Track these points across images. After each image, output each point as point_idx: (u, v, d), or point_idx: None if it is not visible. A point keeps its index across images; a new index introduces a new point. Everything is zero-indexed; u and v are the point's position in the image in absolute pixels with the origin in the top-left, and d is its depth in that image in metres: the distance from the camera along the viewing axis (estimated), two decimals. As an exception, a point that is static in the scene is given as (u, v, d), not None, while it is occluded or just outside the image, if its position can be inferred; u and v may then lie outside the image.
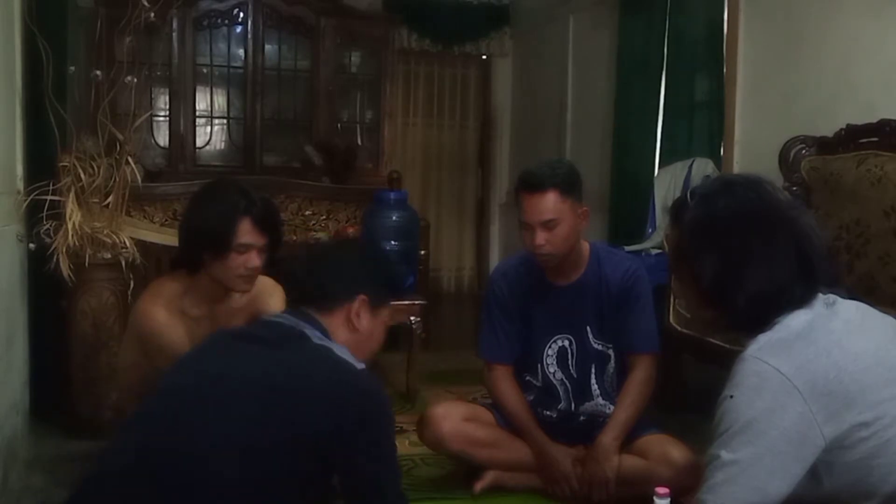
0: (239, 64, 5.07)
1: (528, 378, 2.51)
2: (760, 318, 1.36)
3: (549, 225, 2.27)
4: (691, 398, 3.01)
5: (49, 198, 2.77)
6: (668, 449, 2.26)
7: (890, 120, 2.88)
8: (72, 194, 2.80)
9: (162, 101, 4.89)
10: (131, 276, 2.89)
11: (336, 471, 1.53)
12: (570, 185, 2.30)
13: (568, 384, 2.47)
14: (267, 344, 1.55)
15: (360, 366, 1.57)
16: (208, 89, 5.08)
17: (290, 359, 1.52)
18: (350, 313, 1.65)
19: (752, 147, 3.74)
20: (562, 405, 2.48)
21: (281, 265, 2.10)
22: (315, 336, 1.58)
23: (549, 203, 2.26)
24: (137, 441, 1.43)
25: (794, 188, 3.15)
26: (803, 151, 3.20)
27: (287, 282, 1.74)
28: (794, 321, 1.34)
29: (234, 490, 1.38)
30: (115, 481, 1.39)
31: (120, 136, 2.91)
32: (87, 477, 1.45)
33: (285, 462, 1.41)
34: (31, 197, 2.75)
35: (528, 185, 2.29)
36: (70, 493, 1.46)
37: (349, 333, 1.65)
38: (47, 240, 2.76)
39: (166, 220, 4.03)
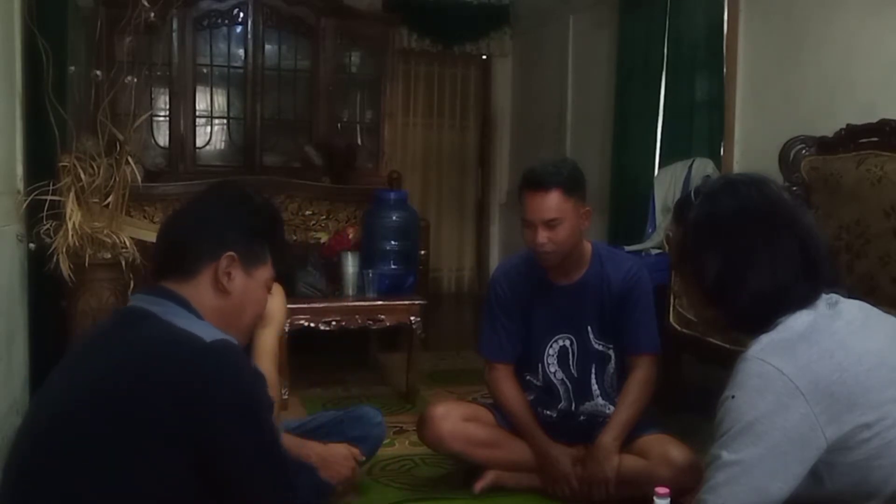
0: (239, 64, 5.05)
1: (528, 377, 2.51)
2: (763, 317, 1.36)
3: (551, 224, 2.28)
4: (691, 398, 3.01)
5: (49, 198, 2.76)
6: (668, 449, 2.26)
7: (890, 120, 2.88)
8: (72, 194, 2.80)
9: (162, 101, 4.87)
10: (131, 276, 2.88)
11: (208, 468, 1.30)
12: (573, 184, 2.31)
13: (568, 384, 2.47)
14: (106, 338, 1.39)
15: (215, 336, 1.31)
16: (208, 89, 5.07)
17: (124, 351, 1.31)
18: (217, 273, 1.41)
19: (752, 147, 3.73)
20: (562, 405, 2.48)
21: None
22: (165, 312, 1.35)
23: (553, 202, 2.27)
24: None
25: (794, 188, 3.15)
26: (803, 151, 3.19)
27: (153, 254, 1.49)
28: (797, 322, 1.34)
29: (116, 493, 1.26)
30: None
31: (120, 136, 2.91)
32: None
33: (158, 466, 1.26)
34: (32, 197, 2.74)
35: (532, 183, 2.30)
36: None
37: (219, 298, 1.42)
38: (47, 240, 2.76)
39: (166, 221, 4.02)
